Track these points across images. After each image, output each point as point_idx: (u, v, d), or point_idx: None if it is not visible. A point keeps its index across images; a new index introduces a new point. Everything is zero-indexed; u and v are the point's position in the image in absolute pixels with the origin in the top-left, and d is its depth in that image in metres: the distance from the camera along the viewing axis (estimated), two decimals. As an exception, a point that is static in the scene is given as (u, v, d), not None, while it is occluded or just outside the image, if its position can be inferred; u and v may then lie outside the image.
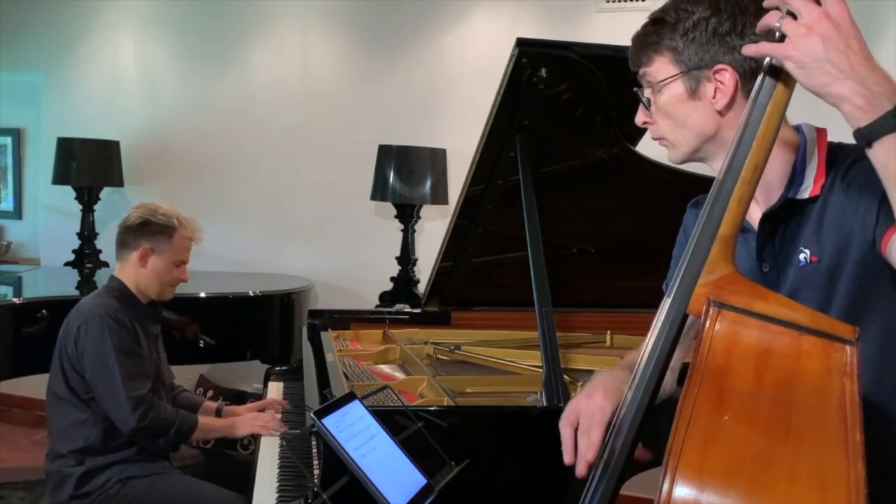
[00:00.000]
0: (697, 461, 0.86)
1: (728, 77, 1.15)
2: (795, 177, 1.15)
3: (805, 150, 1.16)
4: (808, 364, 0.90)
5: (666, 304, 1.04)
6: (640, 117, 1.26)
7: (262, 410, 2.53)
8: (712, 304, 0.96)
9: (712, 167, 1.24)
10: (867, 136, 0.93)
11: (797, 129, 1.20)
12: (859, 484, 0.82)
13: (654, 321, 1.06)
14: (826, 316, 0.95)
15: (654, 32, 1.19)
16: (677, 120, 1.20)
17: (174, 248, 2.46)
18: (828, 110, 0.99)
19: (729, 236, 1.00)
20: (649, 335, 1.06)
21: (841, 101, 0.94)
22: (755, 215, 1.20)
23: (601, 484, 1.07)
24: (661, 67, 1.19)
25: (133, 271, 2.47)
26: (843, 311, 1.10)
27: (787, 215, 1.17)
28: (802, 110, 1.21)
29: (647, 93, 1.23)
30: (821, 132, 1.19)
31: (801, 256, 1.14)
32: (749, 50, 1.01)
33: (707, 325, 0.95)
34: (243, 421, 2.44)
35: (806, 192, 1.14)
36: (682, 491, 0.85)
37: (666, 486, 0.86)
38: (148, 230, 2.45)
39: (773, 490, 0.83)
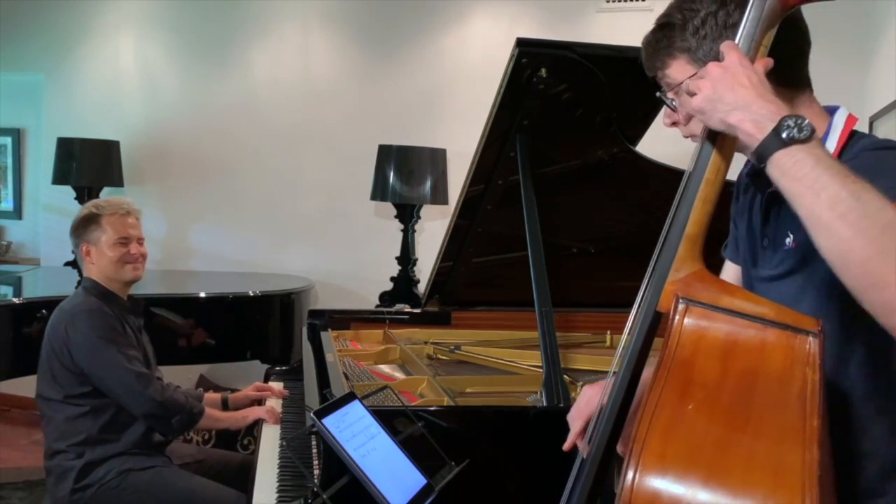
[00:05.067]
0: (659, 448, 0.90)
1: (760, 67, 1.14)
2: None
3: (826, 137, 1.16)
4: (772, 355, 0.94)
5: (638, 302, 1.08)
6: (666, 120, 1.27)
7: (260, 403, 2.61)
8: (680, 300, 1.00)
9: (748, 156, 1.24)
10: (758, 157, 0.98)
11: (831, 112, 1.19)
12: (812, 467, 0.86)
13: (628, 320, 1.09)
14: (791, 310, 0.98)
15: (665, 37, 1.19)
16: None
17: (106, 232, 2.48)
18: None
19: (696, 235, 1.03)
20: (623, 334, 1.09)
21: (736, 130, 0.99)
22: None
23: (581, 477, 1.09)
24: (679, 69, 1.19)
25: (91, 268, 2.51)
26: (814, 302, 1.11)
27: None
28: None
29: (669, 95, 1.23)
30: (850, 120, 1.18)
31: (787, 240, 1.16)
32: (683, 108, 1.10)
33: (676, 320, 0.98)
34: (248, 412, 2.53)
35: None
36: (644, 476, 0.89)
37: (630, 474, 0.90)
38: (77, 231, 2.53)
39: (730, 474, 0.87)
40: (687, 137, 1.26)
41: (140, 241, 2.54)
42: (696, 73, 1.16)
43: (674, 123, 1.26)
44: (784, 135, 0.95)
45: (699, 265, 1.03)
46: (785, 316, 0.96)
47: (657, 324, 1.05)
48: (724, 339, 0.96)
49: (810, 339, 0.94)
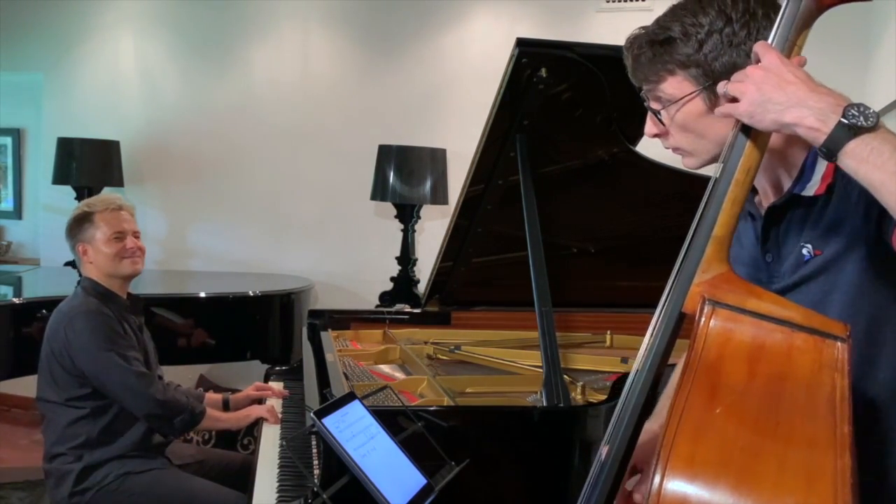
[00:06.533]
0: (688, 453, 0.89)
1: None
2: (804, 173, 1.15)
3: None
4: (799, 360, 0.92)
5: (662, 302, 1.06)
6: (650, 130, 1.23)
7: (261, 402, 2.60)
8: (707, 301, 0.98)
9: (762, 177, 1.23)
10: (828, 152, 0.96)
11: None
12: (845, 474, 0.84)
13: (652, 320, 1.07)
14: (818, 314, 0.97)
15: (665, 51, 1.16)
16: (697, 132, 1.18)
17: (100, 228, 2.47)
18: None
19: (723, 236, 1.02)
20: (647, 334, 1.07)
21: (795, 128, 0.97)
22: (766, 204, 1.21)
23: (599, 481, 1.08)
24: (675, 85, 1.16)
25: (89, 267, 2.50)
26: (841, 304, 1.11)
27: (792, 210, 1.17)
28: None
29: (655, 106, 1.20)
30: None
31: (804, 251, 1.14)
32: (720, 111, 1.07)
33: (702, 322, 0.97)
34: (249, 411, 2.52)
35: (812, 189, 1.14)
36: (672, 481, 0.88)
37: (657, 478, 0.88)
38: (72, 231, 2.51)
39: (761, 480, 0.86)
40: (668, 149, 1.24)
41: (136, 234, 2.52)
42: (693, 92, 1.14)
43: (657, 135, 1.23)
44: (851, 123, 0.94)
45: (726, 267, 1.02)
46: (812, 320, 0.94)
47: (681, 324, 1.04)
48: (750, 343, 0.94)
49: (838, 344, 0.92)
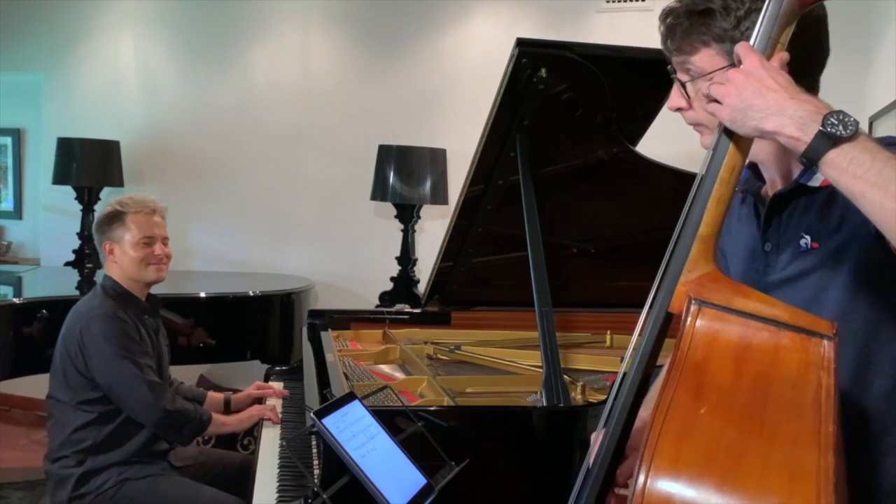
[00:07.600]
0: (672, 453, 0.89)
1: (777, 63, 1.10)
2: None
3: None
4: (786, 359, 0.92)
5: (649, 303, 1.06)
6: (675, 102, 1.22)
7: (261, 401, 2.61)
8: (693, 301, 0.98)
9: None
10: (808, 162, 0.96)
11: None
12: (828, 473, 0.84)
13: (640, 321, 1.08)
14: (805, 312, 0.96)
15: (703, 23, 1.14)
16: None
17: (130, 230, 2.43)
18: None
19: (709, 235, 1.02)
20: (634, 335, 1.08)
21: (776, 136, 0.97)
22: (771, 193, 1.21)
23: (588, 482, 1.09)
24: (707, 58, 1.15)
25: (113, 267, 2.47)
26: (837, 301, 1.10)
27: (796, 199, 1.17)
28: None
29: (684, 78, 1.19)
30: None
31: (802, 242, 1.14)
32: (707, 108, 1.06)
33: (688, 321, 0.97)
34: (252, 411, 2.52)
35: (818, 180, 1.14)
36: (656, 481, 0.88)
37: (641, 478, 0.88)
38: (101, 228, 2.48)
39: (745, 480, 0.86)
40: (690, 125, 1.23)
41: (165, 240, 2.49)
42: (724, 67, 1.12)
43: (679, 108, 1.22)
44: (830, 133, 0.93)
45: (712, 266, 1.01)
46: (799, 319, 0.94)
47: (668, 325, 1.03)
48: (737, 342, 0.94)
49: (825, 342, 0.92)
